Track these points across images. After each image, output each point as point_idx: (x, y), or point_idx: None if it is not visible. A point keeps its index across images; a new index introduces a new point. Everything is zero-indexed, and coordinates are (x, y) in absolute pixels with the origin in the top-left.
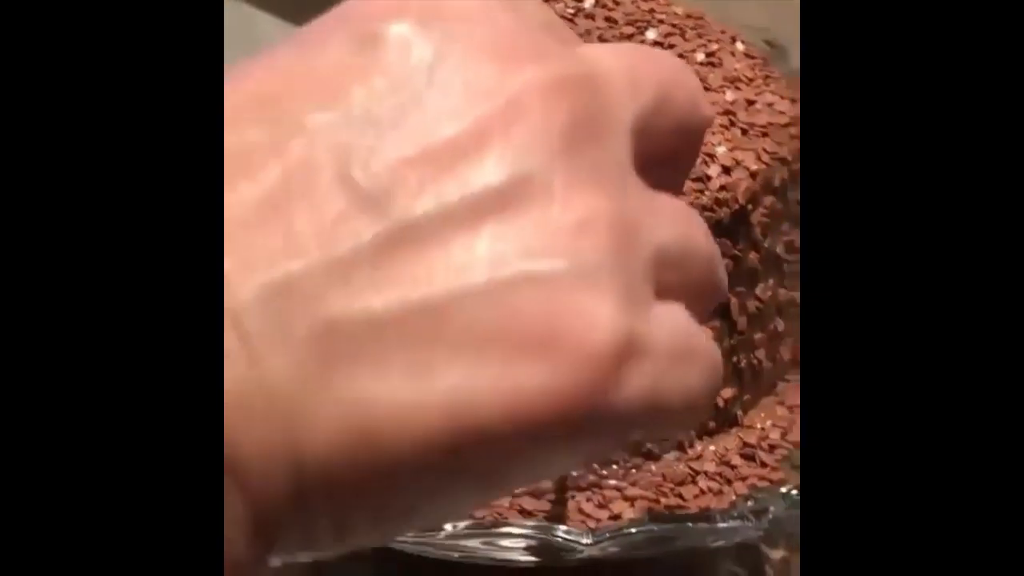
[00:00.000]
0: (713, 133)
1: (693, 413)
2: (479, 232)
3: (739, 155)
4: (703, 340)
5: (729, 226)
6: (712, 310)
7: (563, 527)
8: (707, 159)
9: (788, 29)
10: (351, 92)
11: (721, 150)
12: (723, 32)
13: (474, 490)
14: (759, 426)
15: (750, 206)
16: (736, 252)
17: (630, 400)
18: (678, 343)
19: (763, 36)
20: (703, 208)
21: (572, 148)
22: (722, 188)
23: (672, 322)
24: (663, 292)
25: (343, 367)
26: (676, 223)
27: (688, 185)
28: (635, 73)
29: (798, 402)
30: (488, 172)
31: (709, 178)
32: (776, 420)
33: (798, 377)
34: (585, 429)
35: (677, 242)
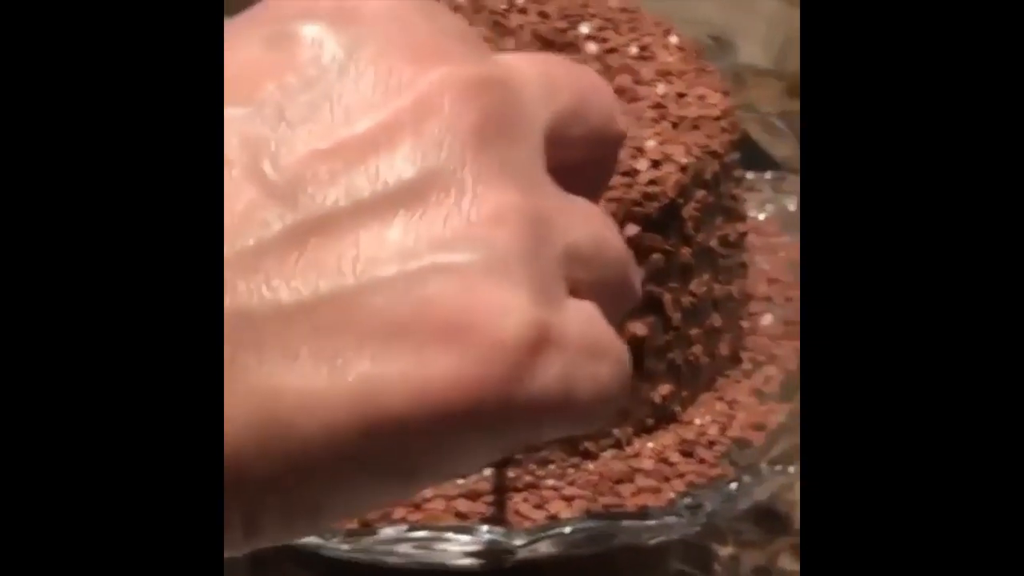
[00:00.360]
0: (643, 127)
1: (603, 408)
2: (390, 224)
3: (669, 149)
4: (613, 338)
5: (659, 220)
6: (624, 313)
7: (497, 528)
8: (636, 153)
9: (735, 23)
10: (263, 88)
11: (650, 144)
12: (657, 25)
13: (385, 483)
14: (697, 422)
15: (681, 200)
16: (667, 247)
17: (541, 391)
18: (589, 338)
19: (708, 31)
20: (632, 203)
21: (483, 145)
22: (651, 182)
23: (583, 317)
24: (575, 290)
25: (252, 355)
26: (588, 224)
27: (616, 179)
28: (550, 79)
29: (737, 397)
30: (399, 166)
31: (638, 172)
32: (715, 416)
33: (738, 372)
34: (497, 419)
35: (589, 241)
